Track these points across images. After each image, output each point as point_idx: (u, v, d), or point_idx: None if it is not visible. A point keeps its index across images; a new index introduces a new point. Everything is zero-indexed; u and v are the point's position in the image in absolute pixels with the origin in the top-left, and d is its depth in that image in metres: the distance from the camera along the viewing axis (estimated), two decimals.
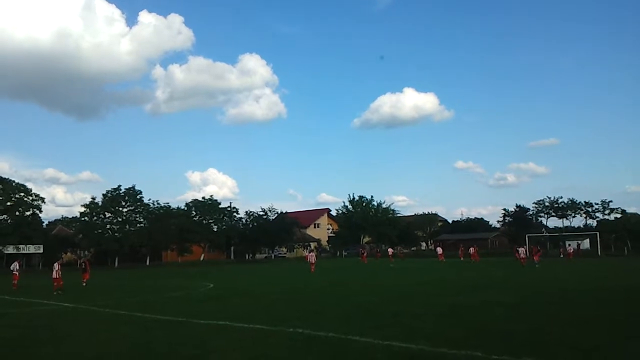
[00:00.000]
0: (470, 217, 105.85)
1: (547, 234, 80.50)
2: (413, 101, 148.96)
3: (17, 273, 31.10)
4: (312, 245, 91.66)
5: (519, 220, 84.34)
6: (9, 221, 63.87)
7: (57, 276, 26.19)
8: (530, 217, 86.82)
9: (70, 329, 13.43)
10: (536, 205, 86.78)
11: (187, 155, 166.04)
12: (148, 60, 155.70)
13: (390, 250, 68.00)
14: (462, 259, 54.02)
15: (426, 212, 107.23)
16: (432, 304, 16.43)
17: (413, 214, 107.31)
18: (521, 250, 44.66)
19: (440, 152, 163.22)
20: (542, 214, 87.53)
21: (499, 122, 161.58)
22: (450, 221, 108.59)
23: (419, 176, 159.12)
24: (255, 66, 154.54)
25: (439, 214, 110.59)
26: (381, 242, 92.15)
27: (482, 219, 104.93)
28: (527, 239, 65.08)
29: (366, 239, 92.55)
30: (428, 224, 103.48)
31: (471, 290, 21.22)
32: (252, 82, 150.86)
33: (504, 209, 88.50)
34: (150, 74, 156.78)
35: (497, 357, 8.34)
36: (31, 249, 63.94)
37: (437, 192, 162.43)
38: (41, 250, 64.53)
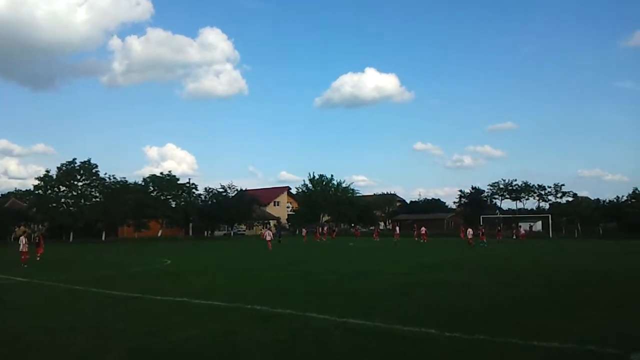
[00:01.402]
0: (428, 197, 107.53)
1: (500, 215, 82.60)
2: (374, 81, 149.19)
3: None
4: (272, 223, 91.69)
5: (474, 202, 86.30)
6: None
7: (25, 249, 25.80)
8: (485, 198, 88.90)
9: (22, 304, 13.20)
10: (491, 188, 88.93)
11: (144, 129, 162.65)
12: (105, 31, 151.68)
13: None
14: (416, 239, 55.26)
15: (385, 192, 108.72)
16: (387, 283, 16.76)
17: (372, 194, 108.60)
18: (469, 231, 45.88)
19: (400, 133, 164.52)
20: (497, 196, 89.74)
21: (458, 106, 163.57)
22: (408, 201, 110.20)
23: (379, 156, 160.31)
24: (216, 40, 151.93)
25: (397, 194, 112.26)
26: (340, 222, 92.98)
27: (439, 199, 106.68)
28: (481, 219, 66.74)
29: (325, 218, 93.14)
30: (387, 204, 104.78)
31: (425, 269, 21.73)
32: (213, 57, 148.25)
33: (460, 191, 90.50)
34: (107, 45, 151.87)
35: (450, 334, 8.59)
36: None
37: (396, 172, 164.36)
38: None
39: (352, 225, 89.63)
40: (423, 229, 54.63)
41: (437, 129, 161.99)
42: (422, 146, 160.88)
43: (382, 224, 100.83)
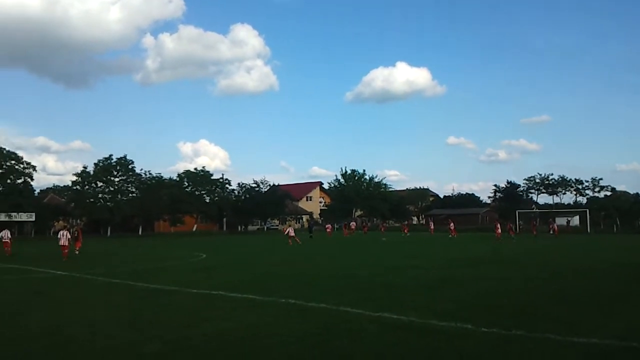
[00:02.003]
0: (462, 192, 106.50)
1: (537, 210, 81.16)
2: (405, 76, 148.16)
3: (8, 240, 31.26)
4: (304, 218, 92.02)
5: (510, 196, 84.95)
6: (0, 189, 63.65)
7: (66, 243, 26.46)
8: (520, 193, 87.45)
9: (63, 296, 13.53)
10: (527, 182, 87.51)
11: (178, 125, 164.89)
12: (138, 28, 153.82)
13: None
14: (451, 235, 53.66)
15: (418, 187, 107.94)
16: (422, 278, 16.63)
17: (405, 188, 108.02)
18: (497, 225, 45.43)
19: (432, 127, 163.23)
20: (533, 191, 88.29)
21: (491, 99, 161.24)
22: (441, 196, 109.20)
23: (411, 151, 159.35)
24: (247, 37, 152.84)
25: (430, 189, 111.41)
26: (373, 216, 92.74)
27: (473, 194, 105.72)
28: (517, 214, 65.65)
29: (358, 213, 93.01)
30: (420, 199, 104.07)
31: (459, 264, 21.45)
32: (244, 53, 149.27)
33: (495, 185, 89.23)
34: (140, 42, 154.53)
35: (487, 330, 8.48)
36: (23, 216, 63.75)
37: (429, 167, 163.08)
38: (33, 219, 64.36)
39: (385, 220, 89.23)
40: (452, 224, 53.69)
41: (470, 123, 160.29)
42: (455, 140, 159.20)
43: (415, 218, 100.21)
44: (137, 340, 8.17)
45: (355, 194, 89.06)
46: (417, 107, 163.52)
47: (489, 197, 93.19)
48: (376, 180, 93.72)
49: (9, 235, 32.22)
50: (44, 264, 23.28)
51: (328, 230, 62.92)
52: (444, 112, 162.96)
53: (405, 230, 60.59)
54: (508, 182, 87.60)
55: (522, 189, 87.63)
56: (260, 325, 9.14)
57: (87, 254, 28.95)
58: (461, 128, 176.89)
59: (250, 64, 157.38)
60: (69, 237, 27.44)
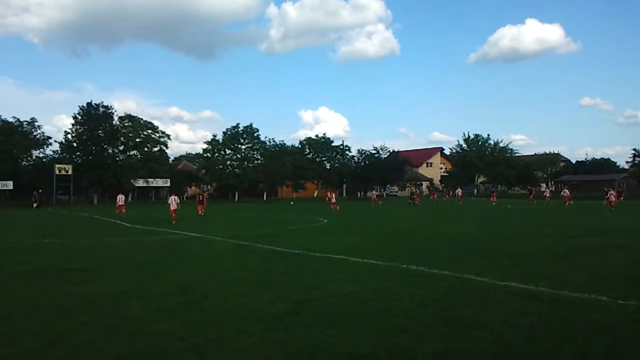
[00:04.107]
0: (596, 157, 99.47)
1: None
2: (536, 33, 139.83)
3: (122, 204, 35.26)
4: (424, 184, 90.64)
5: None
6: (138, 156, 69.01)
7: (175, 208, 28.66)
8: None
9: (196, 256, 14.50)
10: None
11: (299, 93, 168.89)
12: None
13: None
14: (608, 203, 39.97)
15: (547, 152, 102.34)
16: (549, 247, 15.81)
17: (533, 153, 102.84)
18: (611, 192, 39.54)
19: (564, 87, 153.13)
20: None
21: (631, 55, 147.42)
22: (573, 161, 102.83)
23: (540, 114, 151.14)
24: (368, 1, 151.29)
25: (561, 153, 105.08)
26: (498, 183, 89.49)
27: (608, 159, 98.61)
28: None
29: (481, 179, 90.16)
30: (549, 165, 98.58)
31: (592, 233, 20.12)
32: (365, 18, 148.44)
33: (634, 149, 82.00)
34: (265, 13, 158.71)
35: (623, 302, 7.95)
36: (159, 182, 68.91)
37: (560, 130, 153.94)
38: (168, 184, 69.32)
39: (510, 187, 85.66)
40: (612, 191, 40.85)
41: (607, 83, 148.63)
42: (589, 101, 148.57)
43: (543, 185, 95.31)
44: (266, 299, 8.58)
45: (479, 159, 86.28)
46: (547, 67, 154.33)
47: (627, 162, 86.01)
48: (501, 145, 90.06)
49: (123, 200, 36.21)
50: (178, 227, 25.06)
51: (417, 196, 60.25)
52: (577, 71, 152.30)
53: (531, 200, 55.12)
54: None
55: None
56: (383, 289, 9.21)
57: (218, 218, 30.76)
58: (597, 88, 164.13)
59: (371, 29, 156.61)
60: (178, 202, 29.87)
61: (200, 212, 34.25)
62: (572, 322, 7.02)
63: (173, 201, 29.11)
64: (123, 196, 37.40)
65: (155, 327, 6.94)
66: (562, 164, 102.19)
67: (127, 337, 6.52)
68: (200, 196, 38.42)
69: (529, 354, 5.81)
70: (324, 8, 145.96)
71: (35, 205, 51.52)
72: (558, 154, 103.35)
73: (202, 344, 6.21)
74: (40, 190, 56.17)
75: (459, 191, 62.10)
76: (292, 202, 61.79)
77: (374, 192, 64.50)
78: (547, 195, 53.85)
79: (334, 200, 44.14)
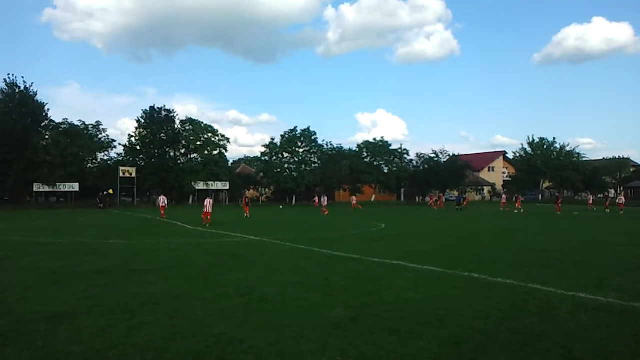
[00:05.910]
0: None
1: None
2: (603, 32, 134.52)
3: (164, 205, 37.95)
4: (485, 189, 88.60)
5: None
6: (199, 159, 70.61)
7: (210, 210, 29.48)
8: None
9: (254, 259, 14.62)
10: None
11: (356, 96, 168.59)
12: (320, 1, 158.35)
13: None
14: None
15: (616, 157, 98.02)
16: (620, 256, 15.09)
17: (601, 158, 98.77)
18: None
19: (635, 89, 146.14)
20: None
21: None
22: None
23: (608, 117, 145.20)
24: (427, 1, 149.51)
25: (631, 158, 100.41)
26: (564, 188, 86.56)
27: None
28: None
29: (546, 184, 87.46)
30: (618, 169, 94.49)
31: None
32: (424, 18, 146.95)
33: None
34: (322, 15, 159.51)
35: None
36: (219, 185, 70.25)
37: (630, 134, 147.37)
38: (227, 187, 70.60)
39: (577, 193, 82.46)
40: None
41: None
42: None
43: (612, 191, 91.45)
44: (324, 303, 8.54)
45: (544, 164, 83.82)
46: (616, 67, 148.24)
47: None
48: (567, 149, 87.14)
49: (165, 202, 38.83)
50: (237, 229, 25.43)
51: (503, 202, 58.73)
52: None
53: (606, 205, 52.09)
54: None
55: None
56: (443, 297, 9.01)
57: (275, 221, 31.03)
58: None
59: (430, 29, 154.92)
60: (212, 204, 30.58)
61: (246, 214, 36.50)
62: None
63: (208, 204, 29.71)
64: (165, 198, 40.15)
65: (215, 329, 7.02)
66: (632, 169, 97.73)
67: (188, 338, 6.63)
68: (246, 199, 41.80)
69: None
70: (382, 9, 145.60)
71: (100, 206, 53.75)
72: (628, 159, 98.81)
73: (261, 347, 6.23)
74: (104, 193, 58.30)
75: (518, 197, 58.97)
76: (281, 207, 63.12)
77: (441, 195, 63.45)
78: (621, 202, 50.10)
79: (325, 204, 45.93)
